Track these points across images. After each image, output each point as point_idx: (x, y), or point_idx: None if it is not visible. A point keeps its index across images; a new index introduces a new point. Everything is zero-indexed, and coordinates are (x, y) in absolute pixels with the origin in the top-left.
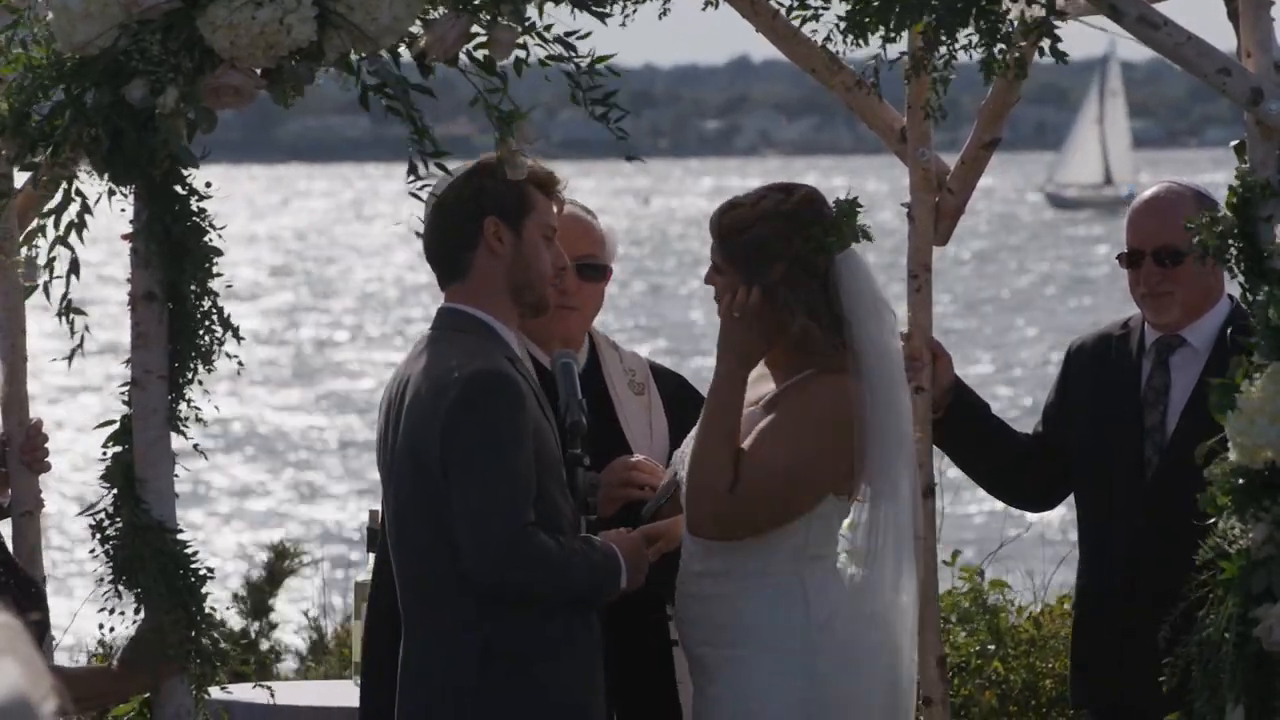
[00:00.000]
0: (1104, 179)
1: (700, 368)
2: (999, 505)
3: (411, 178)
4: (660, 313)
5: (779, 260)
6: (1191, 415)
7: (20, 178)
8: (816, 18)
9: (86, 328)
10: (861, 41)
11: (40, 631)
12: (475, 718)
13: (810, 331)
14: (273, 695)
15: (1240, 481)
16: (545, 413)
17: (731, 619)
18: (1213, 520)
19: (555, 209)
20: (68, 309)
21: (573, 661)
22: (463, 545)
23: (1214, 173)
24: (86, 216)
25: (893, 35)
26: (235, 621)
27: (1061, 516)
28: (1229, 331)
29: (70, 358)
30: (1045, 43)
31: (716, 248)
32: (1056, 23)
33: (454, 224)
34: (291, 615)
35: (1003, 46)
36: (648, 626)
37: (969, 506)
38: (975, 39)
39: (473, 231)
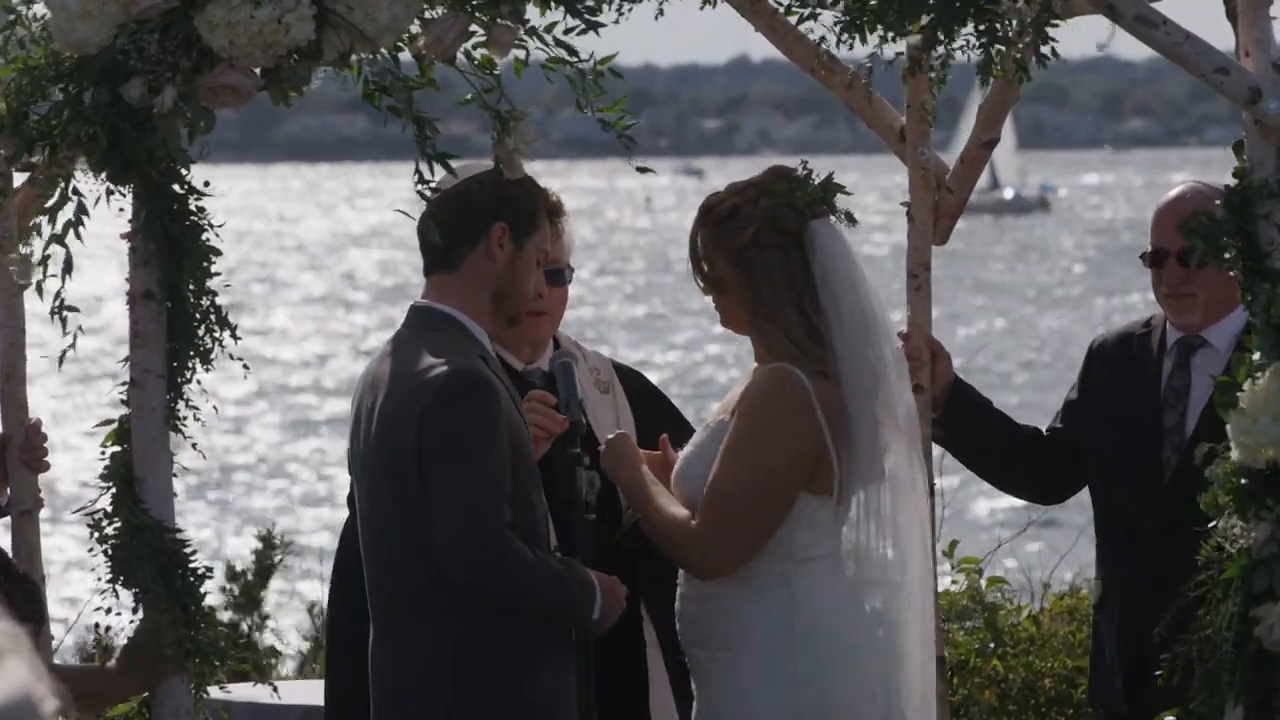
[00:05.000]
0: (991, 183)
1: (711, 376)
2: (998, 505)
3: (417, 178)
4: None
5: (748, 223)
6: (1211, 417)
7: (19, 177)
8: (814, 16)
9: (80, 327)
10: (860, 41)
11: (37, 631)
12: (446, 713)
13: (781, 313)
14: (276, 692)
15: (1242, 481)
16: (519, 412)
17: (718, 621)
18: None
19: (553, 238)
20: (60, 307)
21: (546, 664)
22: (439, 545)
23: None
24: (84, 217)
25: (890, 37)
26: (225, 616)
27: (1062, 515)
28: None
29: (61, 357)
30: (1045, 47)
31: (697, 229)
32: (1054, 22)
33: (463, 216)
34: (287, 612)
35: (1000, 48)
36: (622, 627)
37: (968, 504)
38: (973, 40)
39: (479, 229)
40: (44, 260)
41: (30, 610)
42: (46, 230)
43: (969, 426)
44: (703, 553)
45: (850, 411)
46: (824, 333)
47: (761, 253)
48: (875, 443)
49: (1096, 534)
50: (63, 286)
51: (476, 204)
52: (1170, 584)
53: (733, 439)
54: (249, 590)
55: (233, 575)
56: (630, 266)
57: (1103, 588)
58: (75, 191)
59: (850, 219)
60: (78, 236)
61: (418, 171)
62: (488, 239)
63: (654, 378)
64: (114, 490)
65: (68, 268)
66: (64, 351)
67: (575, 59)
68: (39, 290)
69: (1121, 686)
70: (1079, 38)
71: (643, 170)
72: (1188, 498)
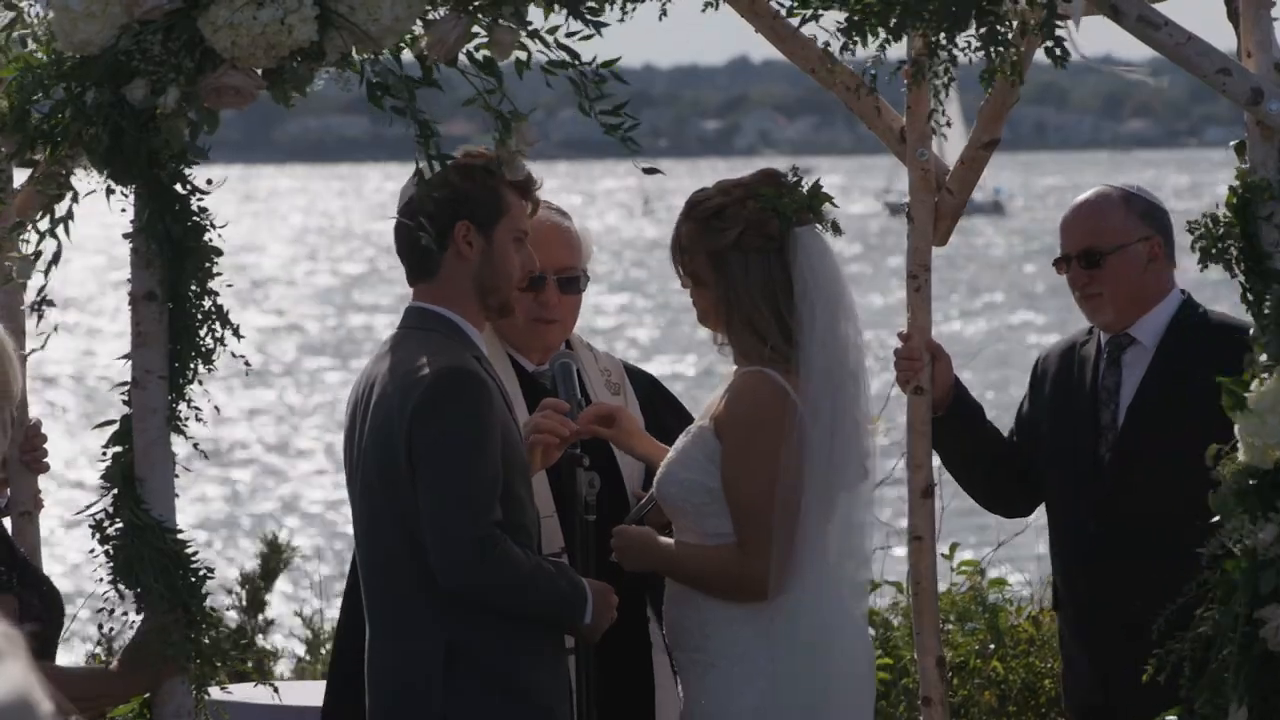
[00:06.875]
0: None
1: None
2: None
3: (419, 179)
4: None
5: (732, 224)
6: (1136, 413)
7: (20, 176)
8: (816, 18)
9: (55, 327)
10: (862, 44)
11: (52, 631)
12: (441, 715)
13: (754, 316)
14: (277, 693)
15: (1250, 482)
16: (513, 412)
17: (699, 621)
18: (1178, 517)
19: (530, 209)
20: (41, 302)
21: (541, 666)
22: (430, 545)
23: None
24: (73, 205)
25: (891, 40)
26: (230, 618)
27: None
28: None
29: (34, 350)
30: (1048, 44)
31: (681, 224)
32: (1059, 24)
33: (426, 224)
34: (287, 615)
35: (1000, 50)
36: (629, 627)
37: (969, 505)
38: (975, 42)
39: (443, 233)
40: (36, 255)
41: (41, 606)
42: (43, 224)
43: (966, 430)
44: (755, 576)
45: (809, 415)
46: (796, 335)
47: (742, 255)
48: (856, 445)
49: (1049, 536)
50: (47, 280)
51: (434, 209)
52: (1109, 582)
53: (740, 457)
54: (255, 594)
55: (245, 580)
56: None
57: (1056, 589)
58: (69, 187)
59: (836, 228)
60: (67, 232)
61: (419, 172)
62: (454, 240)
63: None
64: (115, 491)
65: (55, 260)
66: (34, 349)
67: (577, 62)
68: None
69: (1083, 686)
70: (1080, 38)
71: (649, 171)
72: (1121, 493)
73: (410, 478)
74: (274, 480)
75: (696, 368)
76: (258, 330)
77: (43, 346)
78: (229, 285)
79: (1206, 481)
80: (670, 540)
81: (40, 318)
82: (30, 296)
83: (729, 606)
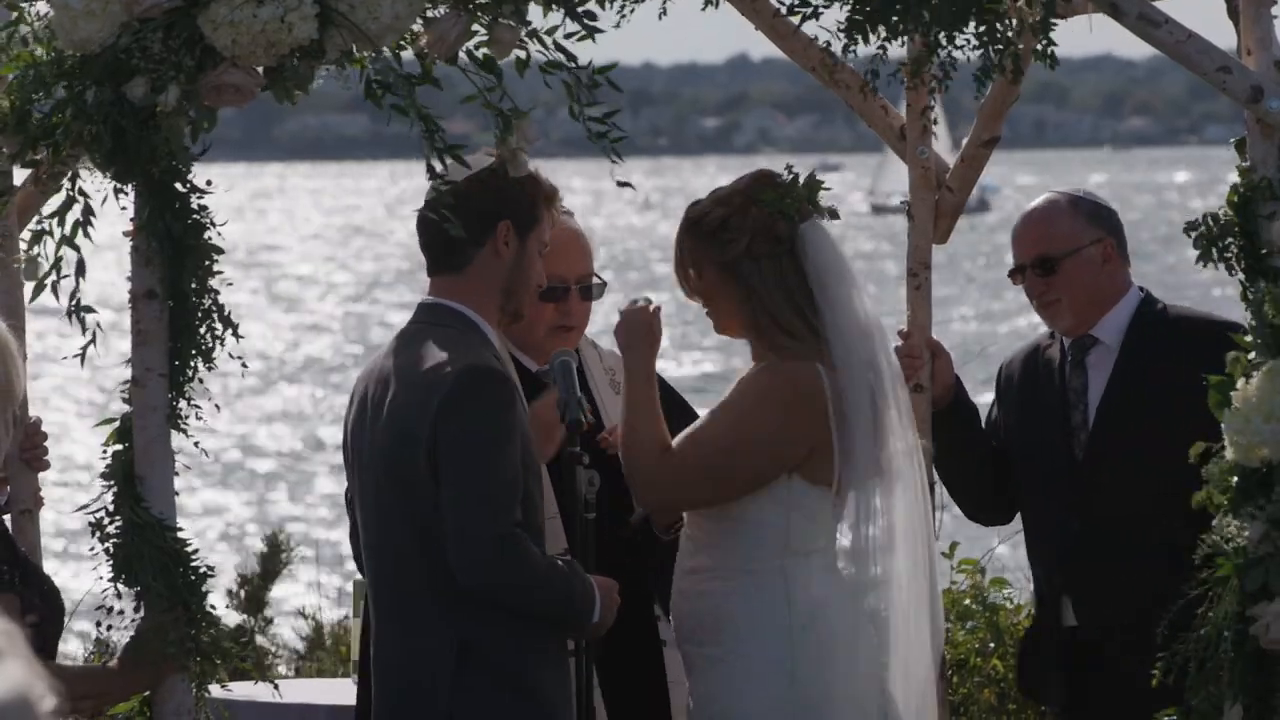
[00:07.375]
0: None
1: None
2: None
3: (430, 175)
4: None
5: (740, 234)
6: (1106, 412)
7: (20, 176)
8: (816, 16)
9: (99, 325)
10: (862, 41)
11: (53, 629)
12: (448, 713)
13: (779, 317)
14: (277, 690)
15: (1236, 480)
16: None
17: (714, 617)
18: (1148, 515)
19: (551, 223)
20: (77, 308)
21: (546, 664)
22: (450, 541)
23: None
24: (91, 217)
25: (891, 38)
26: (231, 618)
27: None
28: (1146, 325)
29: (82, 355)
30: (1040, 45)
31: (683, 239)
32: (1055, 21)
33: (467, 218)
34: (287, 612)
35: (999, 48)
36: (638, 626)
37: None
38: (973, 41)
39: (485, 229)
40: (56, 263)
41: (43, 604)
42: (58, 232)
43: (961, 431)
44: (658, 480)
45: (850, 405)
46: (821, 330)
47: (754, 261)
48: (875, 437)
49: (1025, 539)
50: (77, 288)
51: (479, 205)
52: (1086, 581)
53: (730, 399)
54: (255, 593)
55: (243, 581)
56: None
57: (1037, 589)
58: (82, 192)
59: (833, 214)
60: (87, 236)
61: (430, 168)
62: (494, 238)
63: None
64: (115, 489)
65: (80, 270)
66: (83, 348)
67: (573, 64)
68: (54, 292)
69: (1058, 684)
70: (1080, 37)
71: (622, 184)
72: (1096, 493)
73: (430, 475)
74: (294, 477)
75: (717, 366)
76: (281, 328)
77: (90, 344)
78: (229, 284)
79: (1180, 478)
80: (652, 388)
81: (83, 325)
82: (34, 298)
83: (748, 600)
